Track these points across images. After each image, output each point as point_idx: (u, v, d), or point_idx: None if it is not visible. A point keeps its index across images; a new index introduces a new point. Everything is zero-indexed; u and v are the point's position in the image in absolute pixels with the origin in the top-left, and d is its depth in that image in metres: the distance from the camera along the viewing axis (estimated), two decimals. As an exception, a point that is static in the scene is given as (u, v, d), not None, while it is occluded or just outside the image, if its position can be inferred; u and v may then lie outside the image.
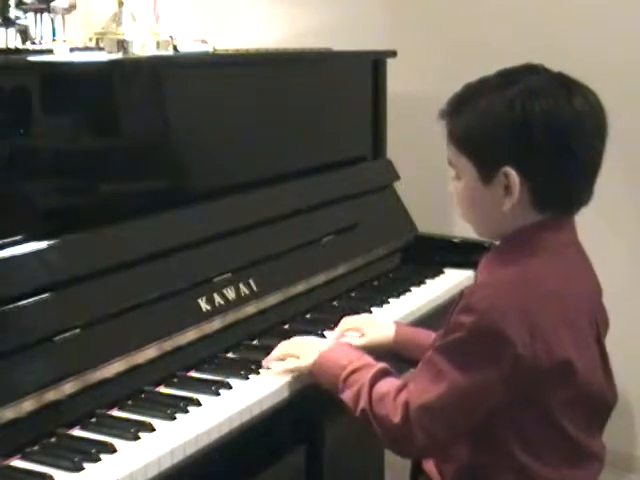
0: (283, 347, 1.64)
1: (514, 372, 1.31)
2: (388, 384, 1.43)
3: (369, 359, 1.52)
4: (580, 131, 1.35)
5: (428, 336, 1.66)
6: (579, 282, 1.42)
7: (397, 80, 2.50)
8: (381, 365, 1.49)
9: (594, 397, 1.40)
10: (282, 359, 1.63)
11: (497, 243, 1.47)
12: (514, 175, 1.34)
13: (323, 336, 1.81)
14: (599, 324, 1.42)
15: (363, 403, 1.43)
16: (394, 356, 1.74)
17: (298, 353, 1.60)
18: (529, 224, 1.39)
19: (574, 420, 1.38)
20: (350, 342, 1.76)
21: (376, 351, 1.73)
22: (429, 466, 1.54)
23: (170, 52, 2.12)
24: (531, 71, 1.40)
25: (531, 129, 1.33)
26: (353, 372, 1.48)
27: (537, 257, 1.38)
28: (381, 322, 1.82)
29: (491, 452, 1.39)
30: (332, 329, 1.84)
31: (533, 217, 1.39)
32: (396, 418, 1.37)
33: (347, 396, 1.47)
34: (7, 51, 1.94)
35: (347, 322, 1.82)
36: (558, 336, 1.34)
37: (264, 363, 1.63)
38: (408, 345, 1.72)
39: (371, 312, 1.98)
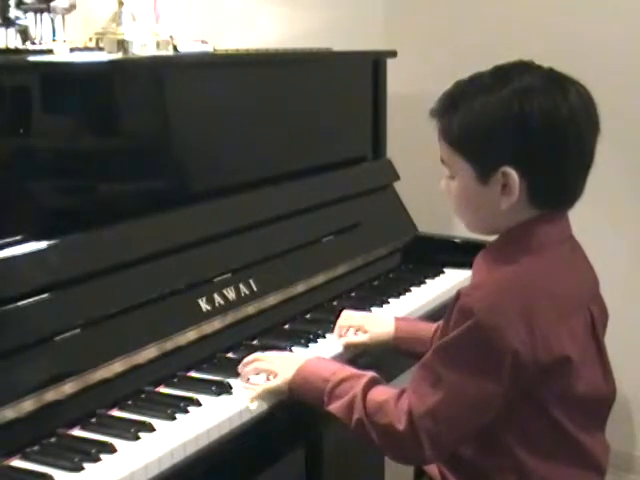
0: (257, 362, 1.57)
1: (514, 371, 1.31)
2: (383, 392, 1.40)
3: (353, 369, 1.49)
4: (576, 128, 1.35)
5: (427, 329, 1.67)
6: (574, 278, 1.42)
7: (397, 80, 2.50)
8: (371, 374, 1.45)
9: (591, 393, 1.39)
10: (257, 373, 1.57)
11: (491, 240, 1.47)
12: (514, 174, 1.34)
13: (323, 336, 1.82)
14: (595, 316, 1.41)
15: (358, 413, 1.39)
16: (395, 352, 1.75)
17: (274, 369, 1.54)
18: (524, 221, 1.38)
19: (571, 416, 1.37)
20: (352, 339, 1.77)
21: (378, 347, 1.75)
22: (431, 468, 1.54)
23: (170, 52, 2.12)
24: (523, 69, 1.39)
25: (530, 129, 1.33)
26: (340, 383, 1.45)
27: (531, 255, 1.37)
28: (381, 318, 1.82)
29: (492, 452, 1.39)
30: (332, 329, 1.84)
31: (529, 213, 1.38)
32: (400, 425, 1.34)
33: (336, 408, 1.43)
34: (7, 51, 1.93)
35: (347, 318, 1.82)
36: (556, 333, 1.34)
37: (241, 379, 1.57)
38: (408, 339, 1.72)
39: (371, 312, 1.98)
